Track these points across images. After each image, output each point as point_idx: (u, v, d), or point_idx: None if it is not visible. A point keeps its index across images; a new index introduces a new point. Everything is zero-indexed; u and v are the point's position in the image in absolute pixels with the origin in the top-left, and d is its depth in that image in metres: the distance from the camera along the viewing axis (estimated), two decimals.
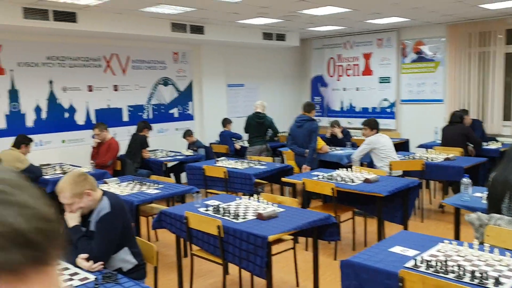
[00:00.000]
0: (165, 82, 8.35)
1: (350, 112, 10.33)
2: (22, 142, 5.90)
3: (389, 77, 9.74)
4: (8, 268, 0.49)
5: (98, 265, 2.70)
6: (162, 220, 4.10)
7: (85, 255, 2.70)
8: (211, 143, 8.43)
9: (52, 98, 6.91)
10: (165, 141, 8.19)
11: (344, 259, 2.72)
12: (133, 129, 7.50)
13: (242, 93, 9.79)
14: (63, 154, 6.95)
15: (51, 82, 6.88)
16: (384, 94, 9.85)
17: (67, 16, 6.01)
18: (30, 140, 5.98)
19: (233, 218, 3.69)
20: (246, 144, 7.98)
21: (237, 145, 8.22)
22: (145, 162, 7.15)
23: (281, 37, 9.03)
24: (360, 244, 5.16)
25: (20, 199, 0.53)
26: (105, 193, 2.89)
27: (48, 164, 6.40)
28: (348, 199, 4.97)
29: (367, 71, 10.04)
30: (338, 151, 7.22)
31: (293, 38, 9.36)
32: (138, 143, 7.10)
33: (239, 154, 7.97)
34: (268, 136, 7.46)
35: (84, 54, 7.19)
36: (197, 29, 7.53)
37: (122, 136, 7.42)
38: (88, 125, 7.31)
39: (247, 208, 3.96)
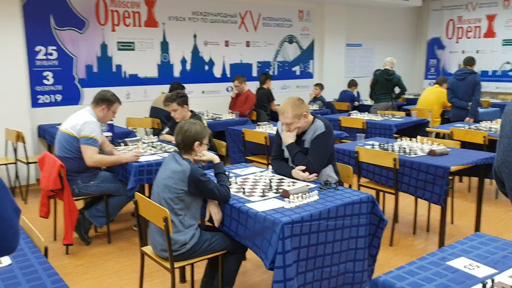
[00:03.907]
0: (290, 39, 8.68)
1: None
2: (177, 89, 6.51)
3: None
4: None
5: (314, 176, 3.12)
6: None
7: (303, 167, 3.13)
8: (329, 102, 8.70)
9: (195, 51, 7.51)
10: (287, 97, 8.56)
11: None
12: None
13: (359, 53, 9.92)
14: (203, 104, 7.55)
15: (195, 36, 7.46)
16: (507, 57, 9.51)
17: None
18: (183, 88, 6.59)
19: (404, 154, 3.98)
20: (369, 102, 8.19)
21: (356, 103, 8.47)
22: (274, 114, 7.59)
23: None
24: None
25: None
26: (316, 116, 3.28)
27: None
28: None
29: (490, 33, 9.71)
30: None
31: None
32: (264, 96, 7.44)
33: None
34: (395, 94, 7.57)
35: (223, 10, 7.68)
36: None
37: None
38: (223, 78, 7.86)
39: (412, 146, 4.22)
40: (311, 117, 3.25)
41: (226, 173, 2.87)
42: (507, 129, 0.83)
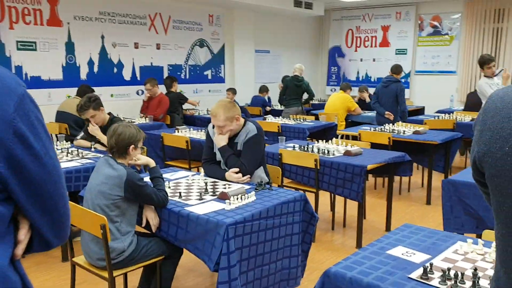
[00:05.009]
0: (201, 43, 8.69)
1: (366, 81, 10.89)
2: (86, 92, 6.19)
3: (405, 49, 10.33)
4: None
5: (247, 178, 3.18)
6: None
7: (236, 169, 3.17)
8: (242, 106, 8.85)
9: (103, 53, 7.19)
10: (199, 102, 8.56)
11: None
12: None
13: (267, 59, 10.22)
14: (112, 107, 7.22)
15: (102, 37, 7.15)
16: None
17: None
18: (93, 90, 6.28)
19: (323, 155, 4.20)
20: (279, 107, 8.48)
21: (268, 108, 8.73)
22: (186, 118, 7.54)
23: (309, 6, 9.45)
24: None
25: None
26: (247, 119, 3.35)
27: None
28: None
29: (385, 43, 10.60)
30: (368, 113, 7.78)
31: (319, 7, 9.80)
32: (176, 99, 7.32)
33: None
34: (304, 99, 7.93)
35: (132, 11, 7.46)
36: None
37: None
38: (133, 81, 7.63)
39: (329, 148, 4.47)
40: (242, 120, 3.30)
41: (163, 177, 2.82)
42: (489, 123, 0.99)
